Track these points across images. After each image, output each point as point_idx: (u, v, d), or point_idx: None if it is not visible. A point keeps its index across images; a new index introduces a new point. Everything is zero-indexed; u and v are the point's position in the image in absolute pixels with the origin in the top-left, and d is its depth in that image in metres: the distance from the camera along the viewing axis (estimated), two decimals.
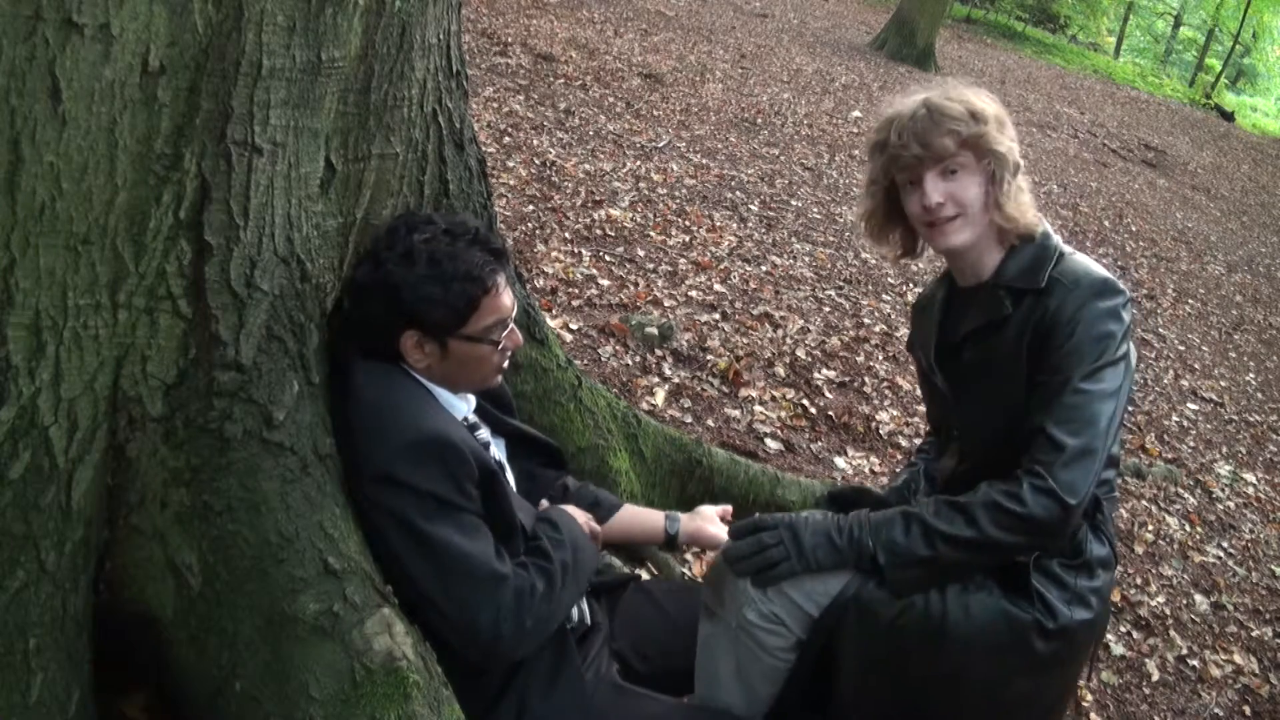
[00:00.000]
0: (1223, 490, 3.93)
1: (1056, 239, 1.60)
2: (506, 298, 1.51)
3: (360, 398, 1.45)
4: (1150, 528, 3.39)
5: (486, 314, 1.48)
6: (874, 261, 5.39)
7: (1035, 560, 1.51)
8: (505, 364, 1.58)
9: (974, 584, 1.53)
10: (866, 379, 3.79)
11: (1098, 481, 1.47)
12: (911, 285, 5.10)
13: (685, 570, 2.39)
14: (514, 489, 1.72)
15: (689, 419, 3.09)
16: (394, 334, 1.46)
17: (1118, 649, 2.68)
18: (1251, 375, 5.65)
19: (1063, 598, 1.50)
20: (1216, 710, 2.59)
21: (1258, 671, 2.80)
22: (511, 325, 1.53)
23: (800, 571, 1.55)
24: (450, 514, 1.40)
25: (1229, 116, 19.35)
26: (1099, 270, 1.53)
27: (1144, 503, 3.58)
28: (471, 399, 1.62)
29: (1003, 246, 1.61)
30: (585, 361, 3.24)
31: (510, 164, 5.09)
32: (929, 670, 1.52)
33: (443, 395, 1.53)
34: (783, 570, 1.56)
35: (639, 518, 1.92)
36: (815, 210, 5.96)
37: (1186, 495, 3.77)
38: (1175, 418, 4.60)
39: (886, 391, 3.78)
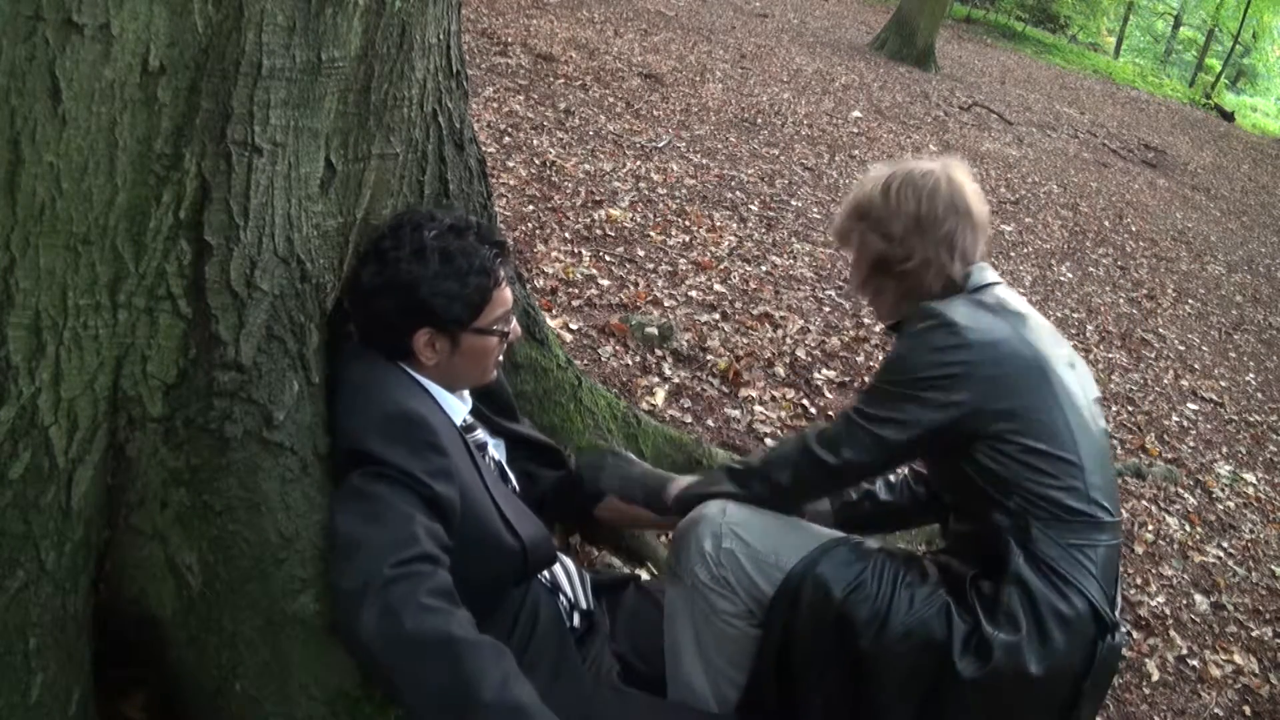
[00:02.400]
0: (1223, 490, 3.93)
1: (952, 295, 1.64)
2: (509, 290, 1.53)
3: (349, 377, 1.46)
4: (1150, 528, 3.39)
5: (496, 306, 1.50)
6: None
7: (972, 578, 1.55)
8: (501, 357, 1.59)
9: (924, 583, 1.55)
10: (866, 379, 3.79)
11: (823, 481, 1.65)
12: None
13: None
14: (515, 490, 1.72)
15: (689, 419, 3.09)
16: (407, 333, 1.46)
17: None
18: (1251, 375, 5.65)
19: (991, 617, 1.49)
20: (1216, 710, 2.59)
21: (1258, 671, 2.80)
22: (513, 318, 1.56)
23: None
24: (395, 486, 1.34)
25: (1229, 116, 19.34)
26: (938, 309, 1.58)
27: (1144, 503, 3.58)
28: (469, 400, 1.62)
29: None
30: (585, 361, 3.24)
31: (510, 164, 5.09)
32: (871, 654, 1.53)
33: (441, 396, 1.53)
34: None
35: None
36: (815, 210, 5.96)
37: (1186, 495, 3.77)
38: (1175, 418, 4.60)
39: None
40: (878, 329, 4.36)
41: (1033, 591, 1.49)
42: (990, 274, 1.68)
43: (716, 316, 3.97)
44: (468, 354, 1.51)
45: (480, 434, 1.65)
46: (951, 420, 1.53)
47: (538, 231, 4.31)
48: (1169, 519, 3.52)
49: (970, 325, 1.55)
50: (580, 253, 4.20)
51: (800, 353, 3.85)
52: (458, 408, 1.56)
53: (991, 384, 1.53)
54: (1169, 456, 4.11)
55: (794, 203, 5.99)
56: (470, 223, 1.51)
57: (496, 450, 1.70)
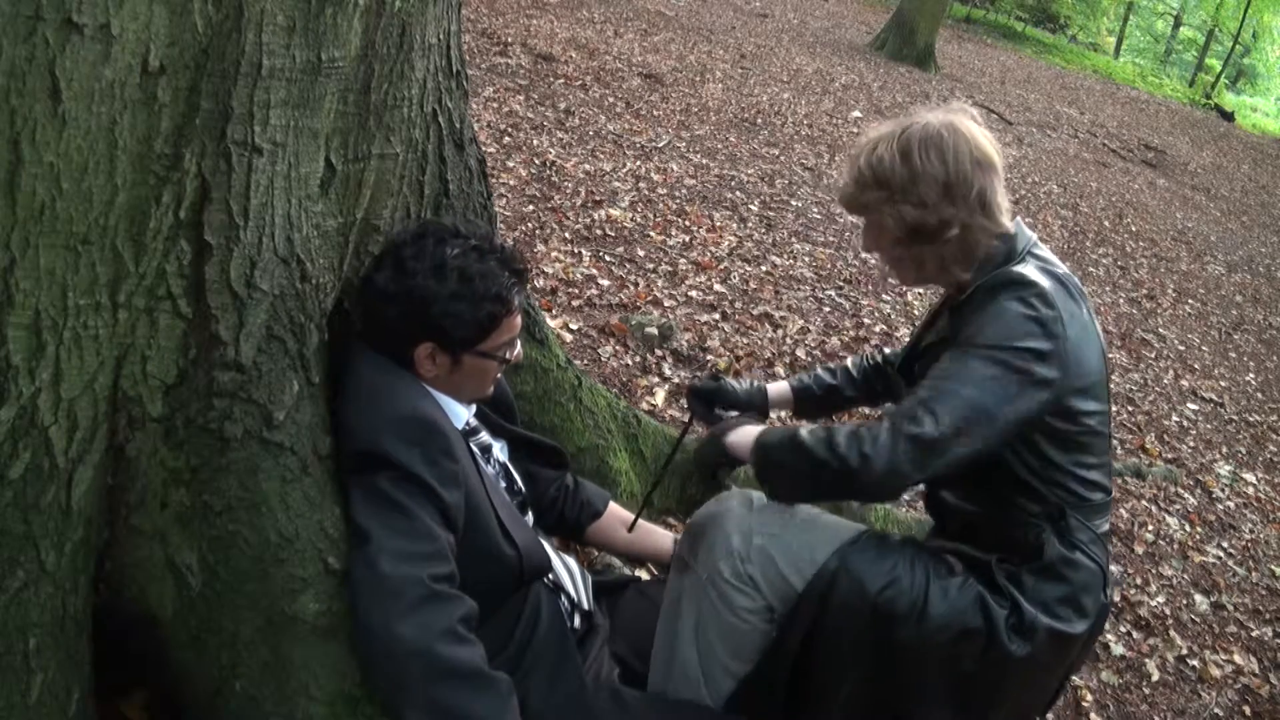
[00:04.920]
0: (1223, 490, 3.93)
1: (1018, 255, 1.56)
2: (519, 317, 1.53)
3: (359, 375, 1.46)
4: (1150, 528, 3.39)
5: (504, 332, 1.50)
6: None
7: (997, 560, 1.57)
8: (499, 375, 1.60)
9: (952, 574, 1.58)
10: None
11: (942, 463, 1.41)
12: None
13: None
14: (520, 490, 1.72)
15: (689, 418, 3.09)
16: (410, 344, 1.46)
17: (1118, 649, 2.68)
18: (1251, 375, 5.65)
19: (1030, 599, 1.54)
20: (1216, 710, 2.59)
21: (1258, 671, 2.80)
22: (518, 342, 1.56)
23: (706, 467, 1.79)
24: (416, 495, 1.36)
25: (1229, 116, 19.35)
26: (1025, 274, 1.51)
27: (1144, 503, 3.58)
28: (472, 404, 1.63)
29: (966, 272, 1.59)
30: (585, 361, 3.24)
31: (510, 164, 5.09)
32: (911, 646, 1.55)
33: (443, 400, 1.53)
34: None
35: (650, 537, 1.93)
36: (815, 210, 5.96)
37: (1186, 495, 3.77)
38: (1175, 418, 4.60)
39: None
40: (878, 329, 4.37)
41: (1067, 576, 1.55)
42: (1026, 230, 1.61)
43: (716, 316, 3.97)
44: (467, 372, 1.51)
45: (484, 436, 1.65)
46: (1042, 401, 1.46)
47: (538, 231, 4.31)
48: (1169, 519, 3.52)
49: (1057, 298, 1.48)
50: (580, 253, 4.20)
51: (800, 353, 3.85)
52: (460, 411, 1.56)
53: (1076, 361, 1.48)
54: (1169, 456, 4.11)
55: (794, 203, 5.99)
56: (495, 245, 1.50)
57: (501, 452, 1.70)
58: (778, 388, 2.03)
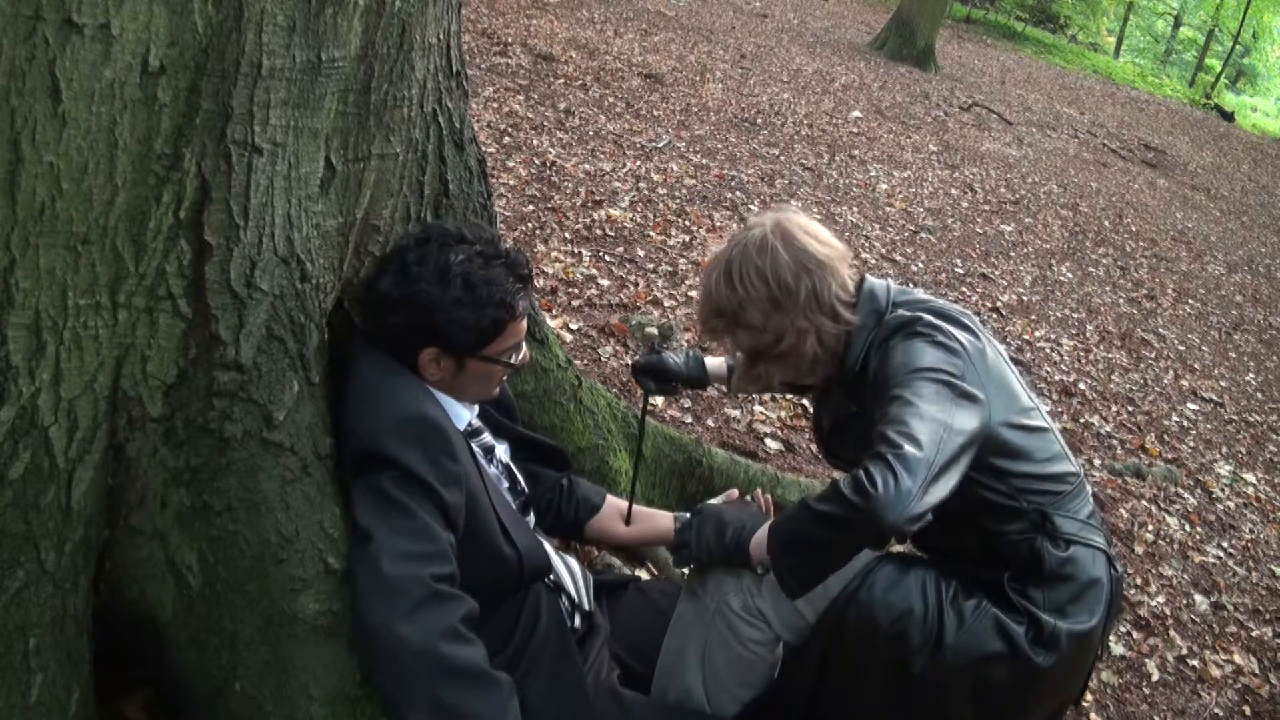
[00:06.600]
0: (1223, 490, 3.93)
1: (886, 311, 1.58)
2: (525, 321, 1.53)
3: (360, 375, 1.46)
4: (1150, 528, 3.39)
5: (509, 337, 1.49)
6: (874, 261, 5.40)
7: (1008, 578, 1.57)
8: (505, 377, 1.59)
9: (968, 596, 1.56)
10: None
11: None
12: (911, 285, 5.10)
13: (685, 572, 2.39)
14: (524, 491, 1.72)
15: (689, 419, 3.09)
16: (414, 348, 1.46)
17: (1118, 649, 2.68)
18: (1251, 375, 5.65)
19: (1045, 609, 1.54)
20: (1216, 710, 2.59)
21: (1258, 671, 2.80)
22: (523, 345, 1.56)
23: (700, 559, 1.64)
24: (417, 495, 1.36)
25: (1229, 116, 19.35)
26: (893, 319, 1.55)
27: (1144, 503, 3.58)
28: (474, 405, 1.63)
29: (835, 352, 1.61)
30: (585, 361, 3.24)
31: (510, 164, 5.09)
32: (928, 675, 1.54)
33: (446, 401, 1.53)
34: (683, 556, 1.67)
35: (650, 521, 1.93)
36: (815, 210, 5.96)
37: (1186, 495, 3.77)
38: (1175, 418, 4.60)
39: None
40: None
41: (1071, 574, 1.55)
42: (881, 285, 1.63)
43: None
44: (471, 376, 1.51)
45: (487, 437, 1.65)
46: (983, 421, 1.45)
47: (538, 231, 4.31)
48: (1169, 519, 3.52)
49: (939, 321, 1.53)
50: (580, 253, 4.20)
51: None
52: (463, 412, 1.56)
53: (984, 370, 1.53)
54: (1169, 456, 4.11)
55: (794, 203, 5.99)
56: (501, 250, 1.49)
57: (504, 453, 1.70)
58: (715, 361, 2.02)
